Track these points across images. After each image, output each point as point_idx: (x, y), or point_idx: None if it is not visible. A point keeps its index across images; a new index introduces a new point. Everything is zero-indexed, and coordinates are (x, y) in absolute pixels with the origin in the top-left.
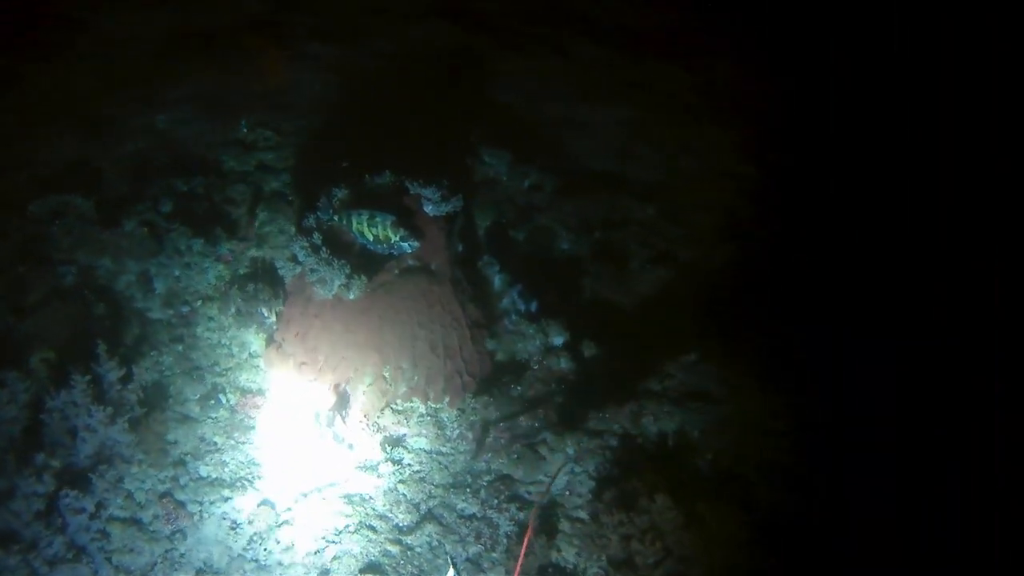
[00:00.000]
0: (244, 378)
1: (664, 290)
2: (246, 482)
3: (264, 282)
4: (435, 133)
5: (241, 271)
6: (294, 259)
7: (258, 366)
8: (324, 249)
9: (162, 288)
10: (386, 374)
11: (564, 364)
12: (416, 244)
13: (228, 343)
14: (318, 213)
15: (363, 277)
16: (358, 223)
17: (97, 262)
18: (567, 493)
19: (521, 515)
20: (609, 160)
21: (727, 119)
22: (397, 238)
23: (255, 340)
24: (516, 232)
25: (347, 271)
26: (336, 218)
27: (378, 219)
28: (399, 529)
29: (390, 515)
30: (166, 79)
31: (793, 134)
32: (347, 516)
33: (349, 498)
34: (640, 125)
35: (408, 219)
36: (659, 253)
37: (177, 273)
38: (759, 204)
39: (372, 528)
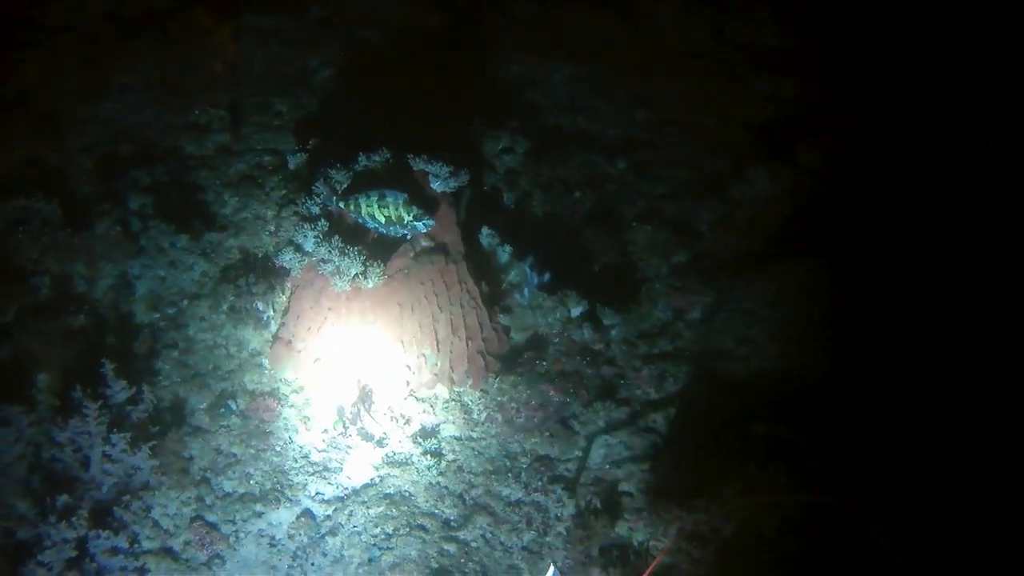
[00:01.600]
0: (249, 380)
1: (658, 247)
2: (277, 493)
3: (256, 275)
4: (417, 105)
5: (223, 264)
6: (299, 249)
7: (261, 365)
8: (336, 237)
9: (144, 290)
10: (409, 363)
11: (587, 334)
12: (431, 222)
13: (224, 343)
14: (318, 198)
15: (380, 264)
16: (367, 206)
17: (71, 269)
18: (607, 467)
19: (565, 496)
20: (565, 116)
21: (674, 68)
22: (411, 217)
23: (254, 338)
24: (503, 200)
25: (363, 259)
26: (342, 203)
27: (388, 199)
28: (449, 525)
29: (436, 511)
30: (111, 65)
31: (747, 82)
32: (393, 518)
33: (390, 498)
34: (588, 80)
35: (417, 196)
36: (645, 210)
37: (162, 273)
38: (724, 156)
39: (423, 528)
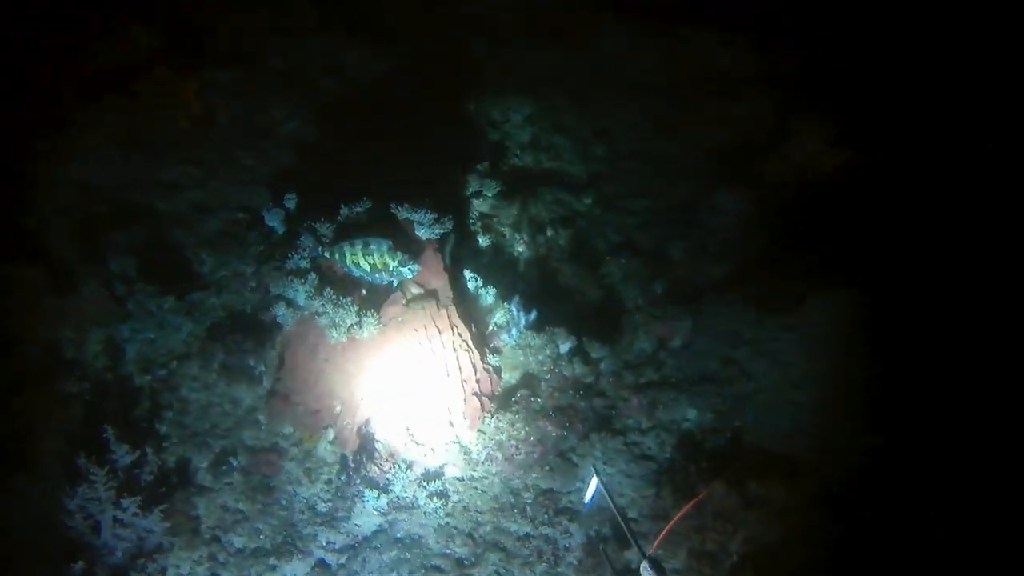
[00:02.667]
0: (248, 436)
1: (634, 278)
2: (288, 546)
3: (244, 332)
4: (386, 152)
5: (208, 322)
6: (291, 304)
7: (258, 421)
8: (328, 290)
9: (134, 353)
10: (407, 409)
11: (578, 368)
12: (417, 267)
13: (219, 401)
14: (304, 251)
15: (374, 313)
16: (352, 255)
17: (60, 335)
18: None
19: (572, 527)
20: (528, 156)
21: (626, 97)
22: (396, 263)
23: (247, 394)
24: (478, 243)
25: (356, 309)
26: (327, 253)
27: (373, 247)
28: (463, 564)
29: (448, 551)
30: (79, 126)
31: (700, 106)
32: (407, 561)
33: (401, 542)
34: (546, 117)
35: (401, 242)
36: (618, 243)
37: (152, 336)
38: (687, 182)
39: (437, 569)
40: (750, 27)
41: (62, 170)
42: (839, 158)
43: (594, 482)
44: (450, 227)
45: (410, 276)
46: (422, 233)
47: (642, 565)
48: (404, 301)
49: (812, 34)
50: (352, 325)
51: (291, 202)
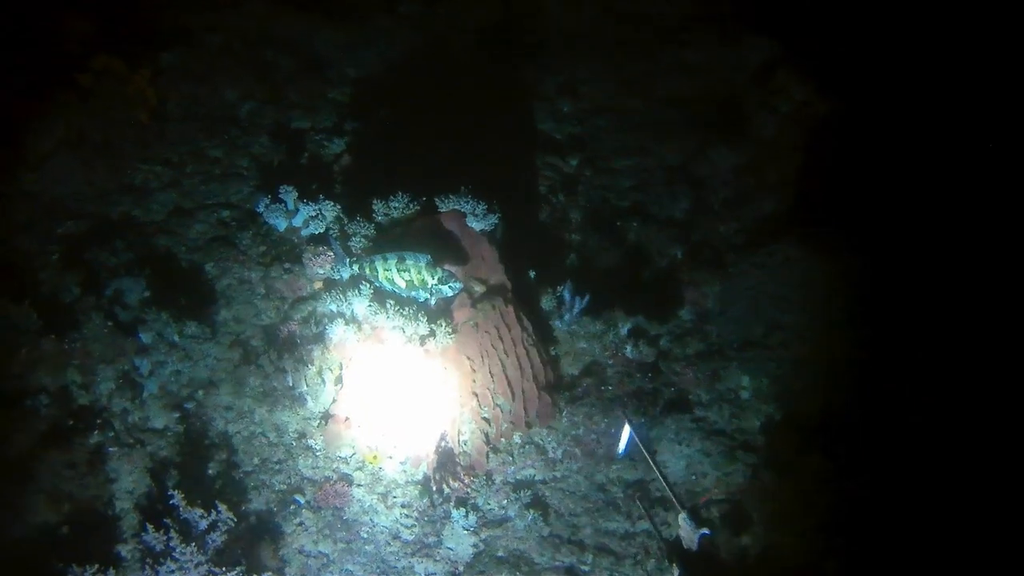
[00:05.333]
0: (305, 467)
1: (650, 245)
2: None
3: (280, 349)
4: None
5: (228, 341)
6: (351, 320)
7: (311, 447)
8: (390, 301)
9: (154, 388)
10: (486, 415)
11: (644, 349)
12: (459, 284)
13: (261, 431)
14: (337, 262)
15: (446, 321)
16: (385, 270)
17: (66, 380)
18: (693, 478)
19: (670, 516)
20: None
21: (576, 50)
22: (436, 281)
23: (292, 419)
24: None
25: (427, 319)
26: (355, 265)
27: (409, 262)
28: (575, 573)
29: (557, 562)
30: (24, 132)
31: (653, 55)
32: None
33: (506, 561)
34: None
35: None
36: (623, 208)
37: (175, 367)
38: (665, 136)
39: None
40: None
41: (16, 183)
42: (824, 107)
43: (627, 431)
44: (498, 216)
45: (451, 295)
46: (475, 224)
47: (680, 516)
48: (471, 302)
49: None
50: (425, 336)
51: (289, 196)
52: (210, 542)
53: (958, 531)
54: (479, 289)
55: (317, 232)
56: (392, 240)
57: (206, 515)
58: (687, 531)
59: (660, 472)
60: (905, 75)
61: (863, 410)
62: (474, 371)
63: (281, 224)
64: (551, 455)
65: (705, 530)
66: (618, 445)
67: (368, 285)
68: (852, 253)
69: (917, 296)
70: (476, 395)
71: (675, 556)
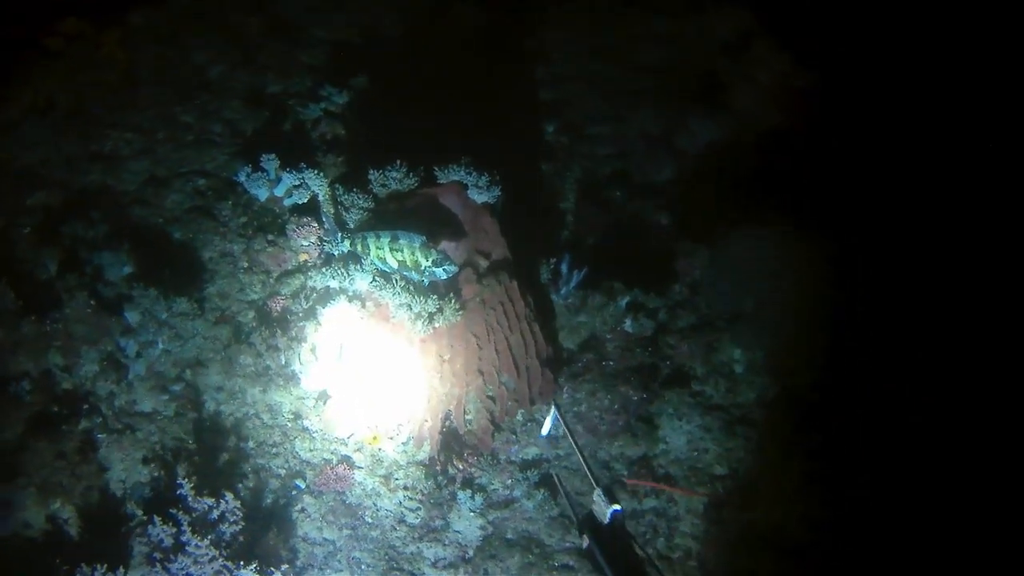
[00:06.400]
0: (302, 449)
1: (636, 213)
2: (397, 571)
3: (271, 326)
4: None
5: (213, 318)
6: (355, 296)
7: (307, 429)
8: (395, 277)
9: (141, 369)
10: (491, 393)
11: (644, 322)
12: (454, 268)
13: (255, 413)
14: (327, 236)
15: (452, 299)
16: (377, 248)
17: (48, 363)
18: (695, 453)
19: (675, 494)
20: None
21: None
22: (430, 263)
23: (286, 399)
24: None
25: (435, 295)
26: (347, 241)
27: (403, 241)
28: (583, 552)
29: (568, 543)
30: None
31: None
32: (533, 565)
33: (517, 544)
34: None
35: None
36: (605, 176)
37: (161, 345)
38: (639, 103)
39: (568, 568)
40: None
41: None
42: (803, 79)
43: (552, 413)
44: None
45: (445, 277)
46: (478, 197)
47: (595, 492)
48: (476, 278)
49: None
50: (433, 313)
51: (271, 164)
52: (220, 534)
53: (958, 530)
54: (484, 264)
55: (301, 202)
56: (387, 215)
57: (215, 505)
58: (600, 506)
59: (579, 450)
60: (885, 46)
61: (856, 386)
62: (480, 348)
63: (263, 194)
64: (553, 433)
65: (617, 507)
66: (542, 427)
67: (365, 260)
68: (840, 226)
69: (907, 272)
70: (482, 373)
71: (586, 528)
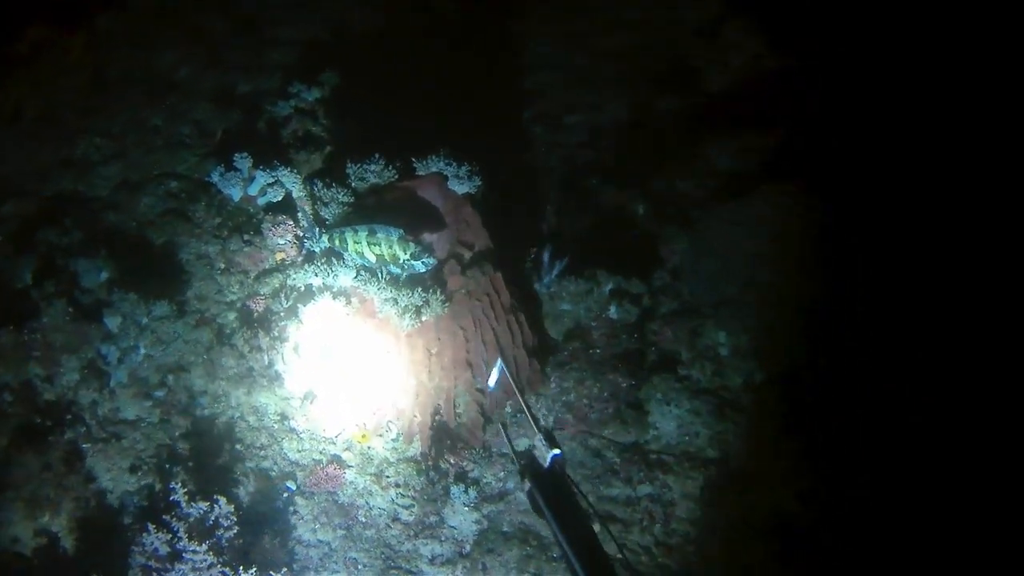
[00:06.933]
0: (290, 450)
1: (612, 200)
2: (395, 570)
3: (252, 327)
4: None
5: (194, 321)
6: (339, 292)
7: (294, 430)
8: (380, 272)
9: (123, 376)
10: (480, 385)
11: (629, 309)
12: (432, 261)
13: (240, 415)
14: (308, 233)
15: (438, 292)
16: (355, 242)
17: (28, 374)
18: (687, 438)
19: (669, 478)
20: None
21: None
22: (408, 256)
23: (271, 400)
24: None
25: (420, 289)
26: (325, 236)
27: (380, 235)
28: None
29: None
30: None
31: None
32: (531, 557)
33: (514, 536)
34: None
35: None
36: (583, 165)
37: (143, 351)
38: (612, 94)
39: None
40: None
41: None
42: (775, 61)
43: (498, 364)
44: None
45: (424, 271)
46: (458, 188)
47: (536, 437)
48: (460, 269)
49: None
50: (419, 308)
51: (244, 163)
52: (216, 539)
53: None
54: (467, 255)
55: (275, 200)
56: (365, 210)
57: (209, 510)
58: (541, 451)
59: (524, 401)
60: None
61: (843, 368)
62: (467, 341)
63: (236, 194)
64: (543, 422)
65: (556, 451)
66: (488, 380)
67: (347, 256)
68: (822, 206)
69: (892, 250)
70: (470, 365)
71: (527, 472)
